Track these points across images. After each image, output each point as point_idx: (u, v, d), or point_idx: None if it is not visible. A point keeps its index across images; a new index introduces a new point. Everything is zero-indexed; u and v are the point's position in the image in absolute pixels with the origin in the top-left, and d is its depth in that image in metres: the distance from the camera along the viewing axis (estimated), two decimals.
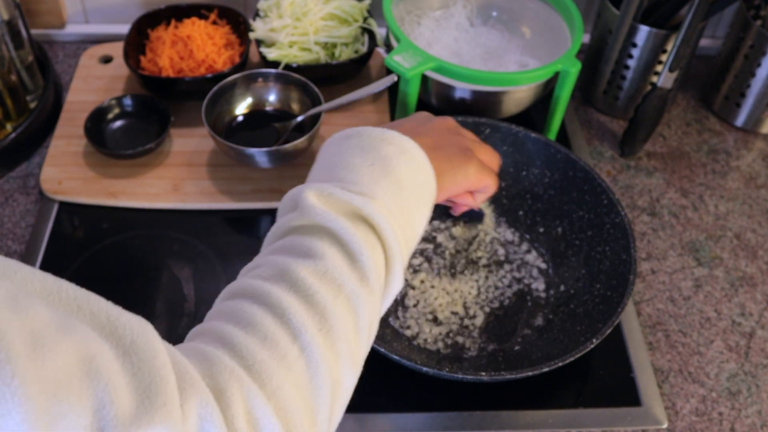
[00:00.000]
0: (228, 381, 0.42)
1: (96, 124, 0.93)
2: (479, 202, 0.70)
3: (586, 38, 1.07)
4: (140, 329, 0.41)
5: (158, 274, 0.84)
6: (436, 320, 0.79)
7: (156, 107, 0.95)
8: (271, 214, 0.90)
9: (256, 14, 1.02)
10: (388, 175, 0.56)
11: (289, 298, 0.47)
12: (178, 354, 0.43)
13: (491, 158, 0.69)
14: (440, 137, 0.64)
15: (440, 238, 0.86)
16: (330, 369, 0.47)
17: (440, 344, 0.77)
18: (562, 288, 0.81)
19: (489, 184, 0.67)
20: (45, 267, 0.83)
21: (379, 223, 0.52)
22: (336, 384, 0.47)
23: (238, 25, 1.02)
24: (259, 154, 0.86)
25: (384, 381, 0.75)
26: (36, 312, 0.35)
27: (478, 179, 0.65)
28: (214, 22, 1.02)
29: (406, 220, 0.56)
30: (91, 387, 0.35)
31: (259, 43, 0.98)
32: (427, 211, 0.59)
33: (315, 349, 0.46)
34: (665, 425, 0.74)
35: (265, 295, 0.48)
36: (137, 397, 0.37)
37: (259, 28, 0.99)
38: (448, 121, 0.68)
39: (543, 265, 0.84)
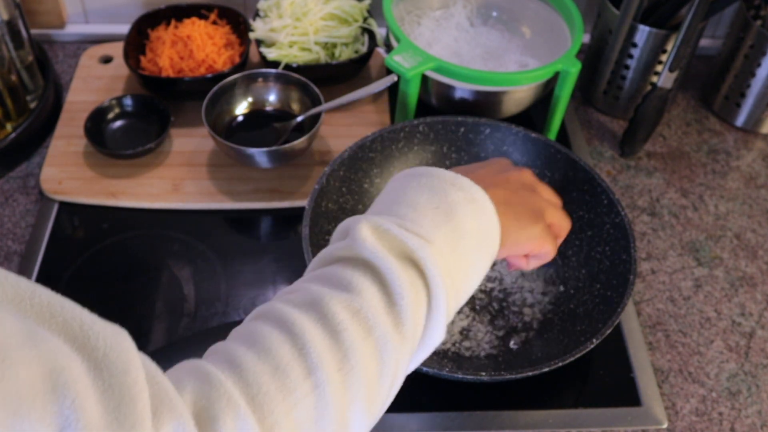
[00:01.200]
0: (223, 409, 0.40)
1: (96, 124, 0.93)
2: (531, 266, 0.66)
3: (586, 38, 1.07)
4: (115, 341, 0.37)
5: (158, 274, 0.84)
6: None
7: (156, 107, 0.95)
8: (271, 214, 0.90)
9: (256, 14, 1.02)
10: (451, 221, 0.53)
11: (314, 330, 0.45)
12: (159, 372, 0.40)
13: (561, 224, 0.65)
14: (514, 193, 0.61)
15: None
16: (340, 412, 0.44)
17: (440, 344, 0.77)
18: (561, 288, 0.81)
19: (548, 252, 0.63)
20: (45, 267, 0.83)
21: (430, 269, 0.49)
22: (343, 428, 0.45)
23: (238, 25, 1.02)
24: (259, 154, 0.86)
25: None
26: (0, 321, 0.33)
27: (540, 244, 0.61)
28: (214, 22, 1.02)
29: (461, 271, 0.53)
30: (57, 404, 0.33)
31: (259, 43, 0.98)
32: (485, 266, 0.56)
33: (328, 388, 0.43)
34: (665, 425, 0.74)
35: (289, 323, 0.45)
36: (107, 417, 0.35)
37: (259, 28, 0.99)
38: (526, 175, 0.64)
39: (543, 265, 0.84)
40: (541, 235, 0.61)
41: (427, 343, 0.51)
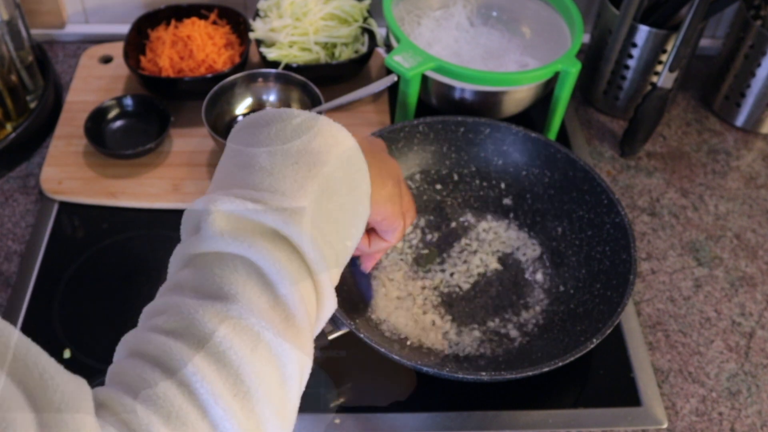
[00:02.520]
0: None
1: (96, 124, 0.93)
2: (372, 249, 0.60)
3: (586, 38, 1.07)
4: (72, 398, 0.34)
5: (158, 274, 0.84)
6: (433, 323, 0.79)
7: (156, 107, 0.95)
8: None
9: (256, 14, 1.02)
10: (316, 175, 0.46)
11: (195, 359, 0.39)
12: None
13: (410, 206, 0.60)
14: (374, 156, 0.53)
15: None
16: None
17: (440, 346, 0.77)
18: (562, 288, 0.81)
19: (397, 228, 0.57)
20: (45, 267, 0.83)
21: (303, 244, 0.44)
22: None
23: (238, 25, 1.02)
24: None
25: (384, 381, 0.75)
26: None
27: (393, 212, 0.54)
28: (214, 22, 1.02)
29: (338, 229, 0.47)
30: None
31: (259, 43, 0.98)
32: (362, 218, 0.49)
33: (229, 422, 0.39)
34: (665, 425, 0.74)
35: (166, 358, 0.40)
36: None
37: (259, 28, 0.99)
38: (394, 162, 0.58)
39: (543, 265, 0.84)
40: (397, 201, 0.54)
41: (322, 316, 0.47)
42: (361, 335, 0.66)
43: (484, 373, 0.67)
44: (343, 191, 0.47)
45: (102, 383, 0.41)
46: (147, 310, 0.46)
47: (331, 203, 0.46)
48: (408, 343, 0.77)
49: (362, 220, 0.50)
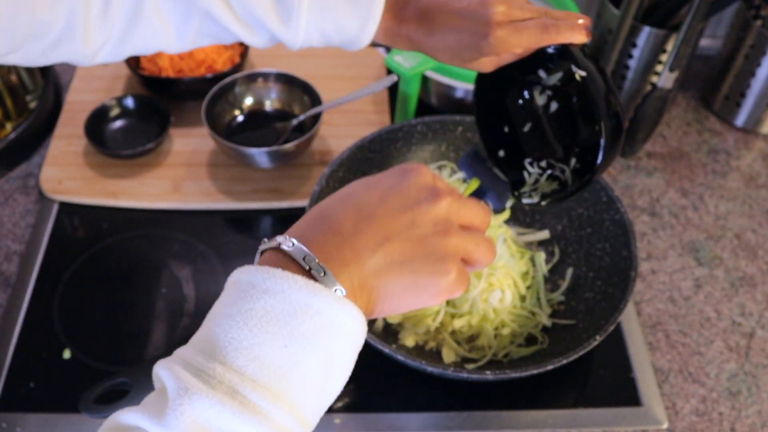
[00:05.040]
0: None
1: (96, 124, 0.93)
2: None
3: None
4: None
5: (158, 274, 0.84)
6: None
7: (156, 107, 0.95)
8: (271, 214, 0.90)
9: None
10: (301, 362, 0.40)
11: None
12: None
13: (480, 258, 0.49)
14: (419, 243, 0.45)
15: None
16: None
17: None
18: (562, 286, 0.81)
19: (458, 294, 0.48)
20: (45, 267, 0.83)
21: None
22: None
23: None
24: (259, 154, 0.86)
25: (385, 381, 0.75)
26: None
27: (446, 296, 0.47)
28: None
29: (317, 407, 0.42)
30: None
31: None
32: (346, 375, 0.44)
33: None
34: (665, 425, 0.74)
35: None
36: None
37: None
38: (441, 206, 0.47)
39: (543, 263, 0.84)
40: (447, 289, 0.47)
41: None
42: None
43: (488, 372, 0.67)
44: (333, 364, 0.42)
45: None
46: None
47: (317, 387, 0.42)
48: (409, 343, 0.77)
49: (346, 375, 0.44)
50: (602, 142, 0.56)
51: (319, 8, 0.59)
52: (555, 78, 0.59)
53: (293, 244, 0.43)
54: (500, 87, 0.63)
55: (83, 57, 0.60)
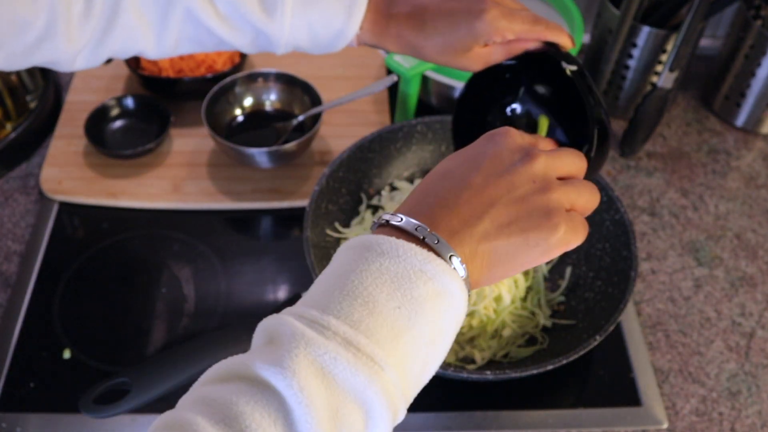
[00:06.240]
0: None
1: (96, 124, 0.93)
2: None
3: (586, 38, 1.07)
4: None
5: (158, 274, 0.84)
6: None
7: (156, 107, 0.95)
8: (271, 214, 0.90)
9: None
10: (413, 327, 0.41)
11: None
12: None
13: (585, 205, 0.50)
14: (521, 202, 0.46)
15: None
16: None
17: None
18: (562, 286, 0.81)
19: (577, 243, 0.49)
20: (45, 267, 0.83)
21: (377, 409, 0.40)
22: None
23: None
24: (259, 154, 0.86)
25: None
26: None
27: (561, 249, 0.48)
28: None
29: (418, 377, 0.43)
30: None
31: None
32: (446, 351, 0.45)
33: None
34: (665, 425, 0.74)
35: None
36: None
37: None
38: (538, 165, 0.48)
39: (543, 264, 0.84)
40: (558, 242, 0.47)
41: None
42: None
43: (488, 372, 0.67)
44: (435, 336, 0.43)
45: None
46: (181, 403, 0.40)
47: (419, 354, 0.42)
48: None
49: (447, 349, 0.45)
50: (587, 148, 0.56)
51: None
52: (541, 89, 0.60)
53: (402, 219, 0.44)
54: (481, 109, 0.63)
55: (65, 57, 0.59)
